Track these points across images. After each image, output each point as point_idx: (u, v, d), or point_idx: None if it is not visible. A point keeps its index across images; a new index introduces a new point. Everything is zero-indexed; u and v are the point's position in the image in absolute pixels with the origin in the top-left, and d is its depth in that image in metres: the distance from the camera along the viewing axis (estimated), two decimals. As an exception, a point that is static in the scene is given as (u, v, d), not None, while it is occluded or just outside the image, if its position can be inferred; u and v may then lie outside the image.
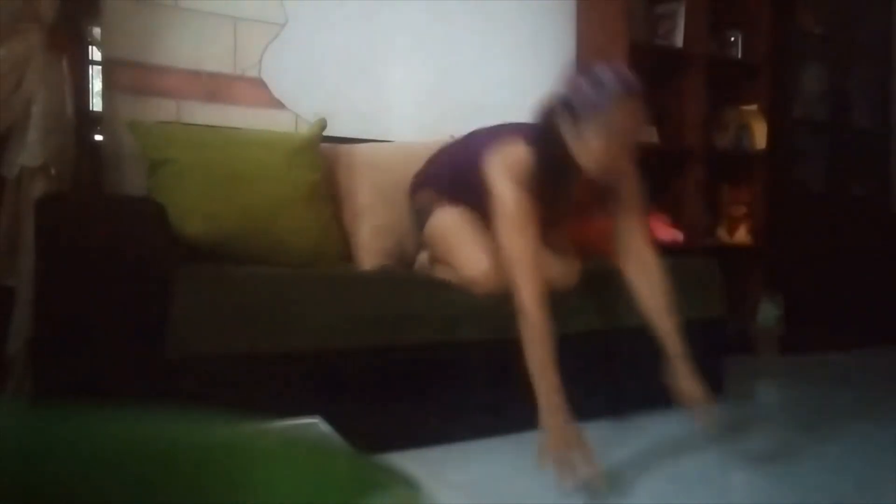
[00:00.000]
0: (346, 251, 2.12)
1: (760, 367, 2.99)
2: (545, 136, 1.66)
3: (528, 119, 1.76)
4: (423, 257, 2.07)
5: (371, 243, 2.11)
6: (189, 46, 2.28)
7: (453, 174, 1.92)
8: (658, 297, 1.74)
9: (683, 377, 1.66)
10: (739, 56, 3.22)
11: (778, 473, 1.62)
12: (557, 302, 1.86)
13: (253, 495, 0.32)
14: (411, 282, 1.84)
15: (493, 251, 1.76)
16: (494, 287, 1.74)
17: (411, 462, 1.48)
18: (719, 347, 2.32)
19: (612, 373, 2.09)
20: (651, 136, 3.00)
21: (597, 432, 1.86)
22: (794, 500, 1.46)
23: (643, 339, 1.78)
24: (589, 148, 1.60)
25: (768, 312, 3.15)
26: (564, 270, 1.89)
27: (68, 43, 1.95)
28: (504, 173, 1.65)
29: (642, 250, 1.78)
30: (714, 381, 2.28)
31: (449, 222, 1.88)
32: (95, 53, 2.22)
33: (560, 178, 1.68)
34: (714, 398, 1.65)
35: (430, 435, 1.74)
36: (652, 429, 1.94)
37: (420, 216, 1.98)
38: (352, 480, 0.34)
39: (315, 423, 0.84)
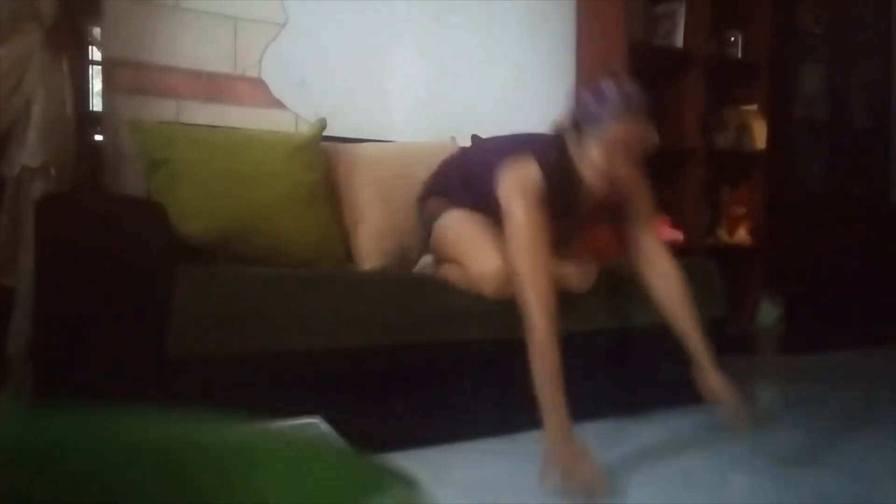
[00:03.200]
0: (345, 251, 2.12)
1: (760, 367, 2.99)
2: (554, 152, 1.68)
3: (538, 129, 1.77)
4: (426, 260, 2.06)
5: (371, 243, 2.11)
6: (189, 46, 2.28)
7: (464, 184, 1.91)
8: (680, 302, 1.75)
9: (710, 376, 1.66)
10: (739, 56, 3.22)
11: (778, 473, 1.62)
12: (574, 302, 1.87)
13: (253, 495, 0.32)
14: (411, 282, 1.84)
15: (504, 250, 1.75)
16: (506, 285, 1.72)
17: (411, 462, 1.48)
18: (719, 347, 2.32)
19: (625, 370, 2.09)
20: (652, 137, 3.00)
21: (607, 428, 1.86)
22: (795, 501, 1.46)
23: (655, 338, 1.79)
24: (592, 162, 1.62)
25: (768, 312, 3.15)
26: (581, 272, 1.88)
27: (68, 43, 1.95)
28: (516, 191, 1.65)
29: (659, 257, 1.80)
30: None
31: (460, 222, 1.88)
32: (95, 53, 2.22)
33: (569, 194, 1.69)
34: (738, 396, 1.65)
35: (430, 435, 1.74)
36: (658, 427, 1.94)
37: (429, 223, 1.97)
38: (352, 480, 0.34)
39: (315, 423, 0.85)
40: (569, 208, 1.71)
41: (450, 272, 1.85)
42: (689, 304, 1.75)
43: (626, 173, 1.64)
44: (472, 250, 1.80)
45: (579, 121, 1.62)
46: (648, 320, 1.91)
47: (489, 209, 1.77)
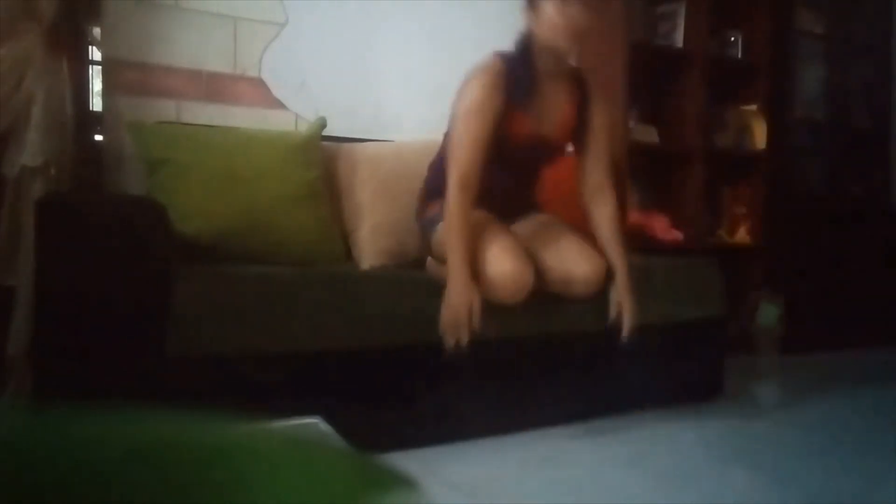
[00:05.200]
0: (345, 250, 2.12)
1: (760, 367, 2.99)
2: (515, 44, 1.85)
3: None
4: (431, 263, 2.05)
5: (370, 242, 2.11)
6: (189, 46, 2.28)
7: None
8: (611, 238, 1.94)
9: (622, 290, 1.89)
10: (739, 56, 3.22)
11: (778, 474, 1.62)
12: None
13: (252, 495, 0.32)
14: (411, 281, 1.84)
15: (514, 251, 1.75)
16: (516, 289, 1.71)
17: (411, 462, 1.48)
18: (719, 347, 2.32)
19: (616, 369, 2.09)
20: (651, 136, 3.00)
21: (599, 427, 1.86)
22: (795, 500, 1.46)
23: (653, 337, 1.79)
24: (547, 20, 1.76)
25: (768, 312, 3.15)
26: (589, 270, 1.84)
27: (68, 43, 1.95)
28: (472, 77, 1.80)
29: (603, 188, 1.97)
30: (714, 381, 2.29)
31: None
32: (95, 53, 2.22)
33: (529, 68, 1.82)
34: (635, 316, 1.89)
35: (429, 435, 1.74)
36: (650, 426, 1.94)
37: (430, 227, 1.93)
38: (352, 480, 0.34)
39: (315, 423, 0.84)
40: (531, 86, 1.82)
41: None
42: (618, 239, 1.94)
43: (580, 25, 1.75)
44: (482, 253, 1.75)
45: None
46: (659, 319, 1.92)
47: (490, 199, 1.81)
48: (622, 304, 1.89)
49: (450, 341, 1.68)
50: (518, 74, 1.82)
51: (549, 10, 1.75)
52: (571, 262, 1.84)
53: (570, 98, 1.94)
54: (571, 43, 1.81)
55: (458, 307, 1.68)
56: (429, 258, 2.02)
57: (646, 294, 1.98)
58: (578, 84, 1.97)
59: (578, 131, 1.97)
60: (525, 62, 1.83)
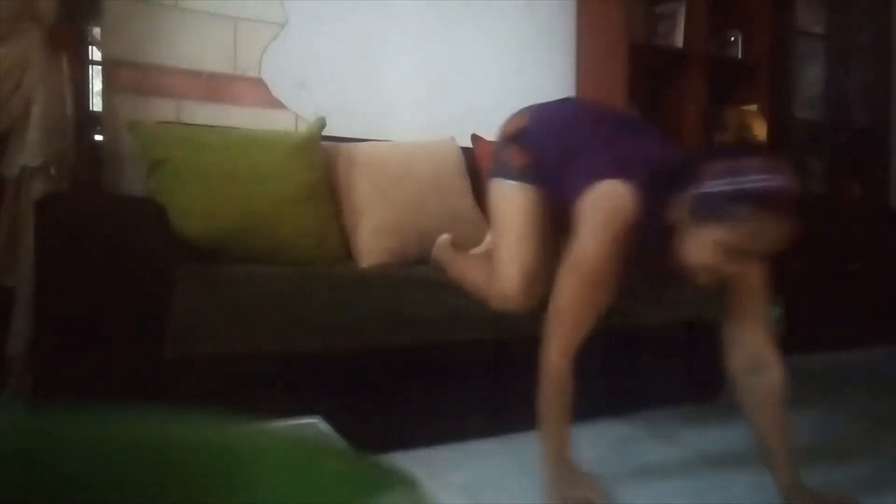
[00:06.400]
0: (345, 249, 2.12)
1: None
2: (660, 193, 1.32)
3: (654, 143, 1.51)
4: (443, 239, 1.96)
5: (370, 242, 2.11)
6: (189, 46, 2.28)
7: (561, 151, 1.55)
8: (776, 422, 1.44)
9: (801, 495, 1.39)
10: (739, 56, 3.22)
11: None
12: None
13: (252, 495, 0.32)
14: (411, 281, 1.84)
15: (530, 266, 1.61)
16: (515, 306, 1.65)
17: (411, 462, 1.48)
18: (719, 347, 2.32)
19: (624, 369, 2.09)
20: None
21: (605, 428, 1.86)
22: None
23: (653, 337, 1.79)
24: (702, 254, 1.27)
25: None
26: None
27: (68, 43, 1.95)
28: (600, 219, 1.36)
29: (768, 366, 1.48)
30: (714, 381, 2.28)
31: (515, 211, 1.63)
32: (95, 53, 2.22)
33: (655, 254, 1.36)
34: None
35: (430, 435, 1.74)
36: (650, 426, 1.94)
37: (491, 175, 1.71)
38: (352, 480, 0.34)
39: (315, 423, 0.85)
40: (652, 260, 1.38)
41: (468, 272, 1.79)
42: (784, 425, 1.44)
43: (740, 270, 1.33)
44: (506, 256, 1.63)
45: (701, 198, 1.24)
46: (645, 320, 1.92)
47: (559, 190, 1.51)
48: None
49: None
50: (642, 248, 1.37)
51: (708, 252, 1.26)
52: None
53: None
54: (710, 280, 1.32)
55: None
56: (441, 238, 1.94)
57: (645, 294, 1.98)
58: None
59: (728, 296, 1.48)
60: (652, 248, 1.36)
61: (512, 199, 1.63)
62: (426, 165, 2.27)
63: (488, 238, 2.02)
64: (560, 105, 1.74)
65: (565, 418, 1.39)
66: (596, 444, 1.79)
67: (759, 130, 3.20)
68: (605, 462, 1.67)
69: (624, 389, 2.07)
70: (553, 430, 1.39)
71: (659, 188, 1.33)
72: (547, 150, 1.58)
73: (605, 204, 1.37)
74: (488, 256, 1.78)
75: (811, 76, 3.50)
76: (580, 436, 1.44)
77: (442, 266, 1.90)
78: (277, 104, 2.43)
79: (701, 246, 1.26)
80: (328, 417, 0.87)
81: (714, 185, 1.23)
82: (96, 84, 2.24)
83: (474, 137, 2.53)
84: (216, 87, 2.33)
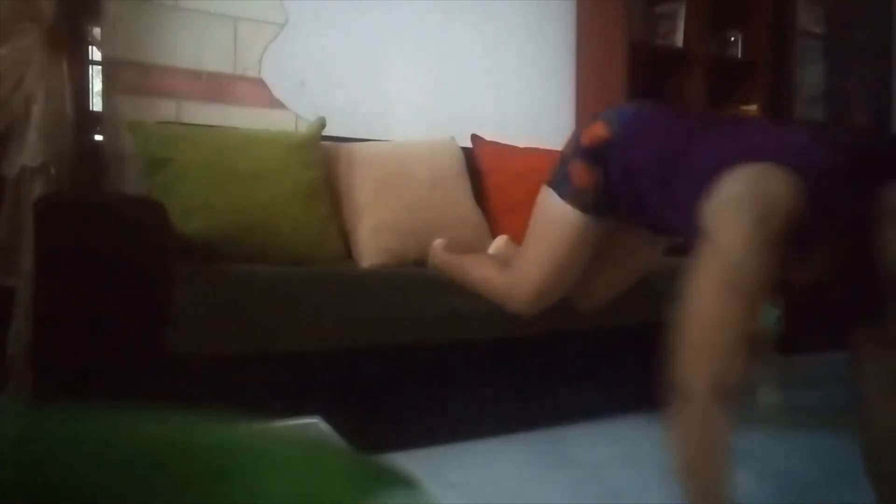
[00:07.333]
0: (345, 249, 2.12)
1: (760, 367, 2.98)
2: (837, 181, 1.15)
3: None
4: (438, 243, 1.97)
5: (370, 242, 2.11)
6: (189, 46, 2.28)
7: (659, 164, 1.32)
8: None
9: None
10: (739, 56, 3.22)
11: (777, 473, 1.62)
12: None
13: (252, 495, 0.32)
14: (411, 281, 1.84)
15: (548, 289, 1.56)
16: (527, 312, 1.64)
17: (411, 462, 1.48)
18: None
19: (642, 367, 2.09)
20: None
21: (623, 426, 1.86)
22: (797, 500, 1.46)
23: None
24: None
25: (768, 312, 3.15)
26: None
27: (68, 43, 1.95)
28: (750, 213, 1.10)
29: None
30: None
31: (554, 229, 1.49)
32: (95, 53, 2.22)
33: (837, 251, 1.17)
34: None
35: (429, 435, 1.74)
36: (650, 426, 1.94)
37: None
38: (352, 480, 0.34)
39: (315, 423, 0.84)
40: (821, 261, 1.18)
41: (475, 268, 1.78)
42: None
43: None
44: (528, 268, 1.58)
45: None
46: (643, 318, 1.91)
47: (643, 216, 1.33)
48: None
49: None
50: (807, 243, 1.20)
51: None
52: None
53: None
54: None
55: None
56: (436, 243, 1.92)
57: (646, 294, 1.98)
58: None
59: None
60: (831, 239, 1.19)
61: (558, 221, 1.48)
62: (426, 165, 2.27)
63: (495, 243, 2.02)
64: (650, 112, 1.44)
65: (724, 473, 1.13)
66: (592, 442, 1.78)
67: (759, 130, 3.20)
68: (605, 461, 1.66)
69: (622, 389, 2.07)
70: (710, 494, 1.12)
71: (824, 172, 1.14)
72: (634, 163, 1.36)
73: (753, 182, 1.11)
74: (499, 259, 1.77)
75: (811, 76, 3.50)
76: (577, 435, 1.44)
77: (441, 269, 1.90)
78: (277, 104, 2.43)
79: None
80: (328, 417, 0.87)
81: None
82: (96, 84, 2.23)
83: (474, 137, 2.53)
84: (216, 87, 2.33)
